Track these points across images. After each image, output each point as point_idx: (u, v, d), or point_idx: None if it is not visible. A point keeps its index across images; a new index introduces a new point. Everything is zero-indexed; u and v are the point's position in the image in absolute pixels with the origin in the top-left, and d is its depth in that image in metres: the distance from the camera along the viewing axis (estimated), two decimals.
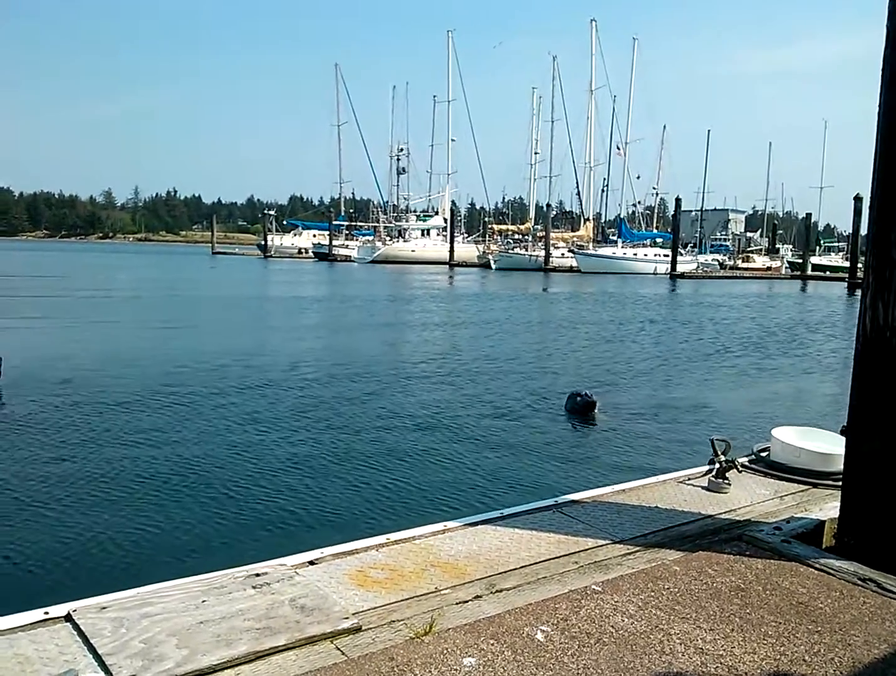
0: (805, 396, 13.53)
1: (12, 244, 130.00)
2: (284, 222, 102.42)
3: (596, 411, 10.76)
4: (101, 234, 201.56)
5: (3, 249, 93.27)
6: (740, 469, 4.68)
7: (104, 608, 2.75)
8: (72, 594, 2.95)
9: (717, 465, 4.50)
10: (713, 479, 4.47)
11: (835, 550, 3.64)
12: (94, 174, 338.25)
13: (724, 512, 4.10)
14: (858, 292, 4.27)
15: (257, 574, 3.08)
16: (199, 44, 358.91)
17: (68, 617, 2.70)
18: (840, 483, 3.89)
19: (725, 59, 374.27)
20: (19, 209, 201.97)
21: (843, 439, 3.84)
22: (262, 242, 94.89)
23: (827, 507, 4.08)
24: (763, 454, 5.05)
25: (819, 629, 2.84)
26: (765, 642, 2.73)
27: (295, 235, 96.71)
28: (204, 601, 2.84)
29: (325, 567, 3.24)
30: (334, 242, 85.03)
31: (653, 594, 3.05)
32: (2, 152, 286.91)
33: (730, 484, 4.43)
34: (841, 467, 3.90)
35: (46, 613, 2.72)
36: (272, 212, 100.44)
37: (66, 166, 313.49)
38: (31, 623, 2.65)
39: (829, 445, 4.77)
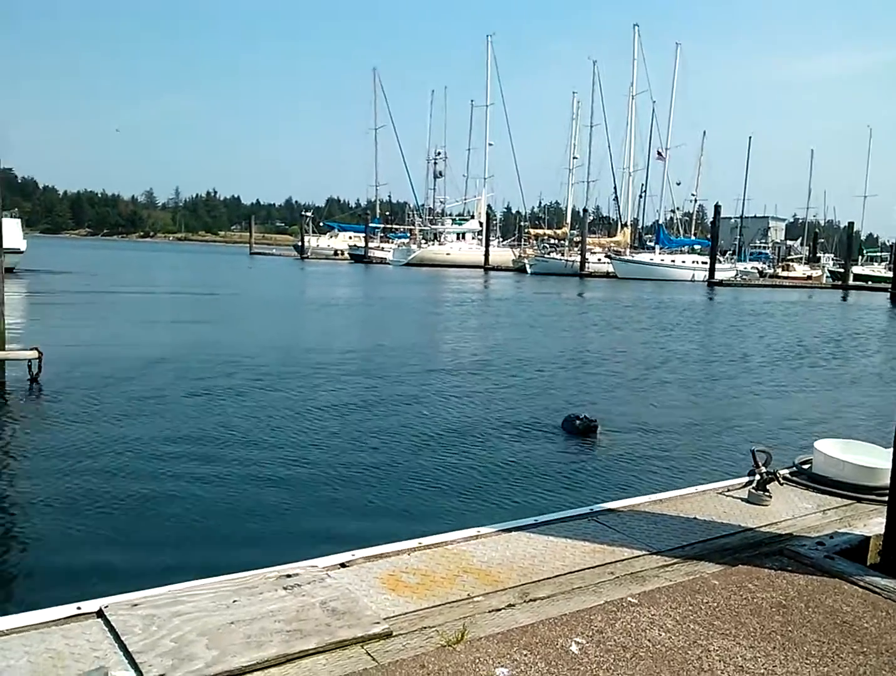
0: (849, 408, 13.22)
1: (57, 241, 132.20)
2: (321, 224, 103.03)
3: (598, 434, 9.96)
4: (141, 233, 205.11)
5: (56, 246, 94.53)
6: (782, 481, 4.56)
7: (136, 605, 2.75)
8: (104, 590, 2.95)
9: (758, 477, 4.39)
10: (753, 491, 4.36)
11: (880, 567, 3.53)
12: (135, 174, 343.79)
13: (765, 526, 3.99)
14: None
15: (288, 576, 3.06)
16: (239, 46, 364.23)
17: (100, 613, 2.70)
18: (886, 498, 3.77)
19: (767, 65, 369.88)
20: (63, 207, 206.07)
21: (889, 452, 3.72)
22: (299, 243, 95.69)
23: (871, 523, 3.96)
24: (805, 466, 4.93)
25: (864, 650, 2.74)
26: (807, 661, 2.64)
27: (331, 237, 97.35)
28: (235, 601, 2.83)
29: (356, 570, 3.22)
30: (370, 244, 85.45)
31: (691, 608, 2.98)
32: (48, 152, 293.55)
33: (771, 497, 4.33)
34: (887, 481, 3.78)
35: (79, 608, 2.73)
36: (309, 214, 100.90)
37: (109, 166, 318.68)
38: (63, 618, 2.66)
39: (874, 459, 4.64)
